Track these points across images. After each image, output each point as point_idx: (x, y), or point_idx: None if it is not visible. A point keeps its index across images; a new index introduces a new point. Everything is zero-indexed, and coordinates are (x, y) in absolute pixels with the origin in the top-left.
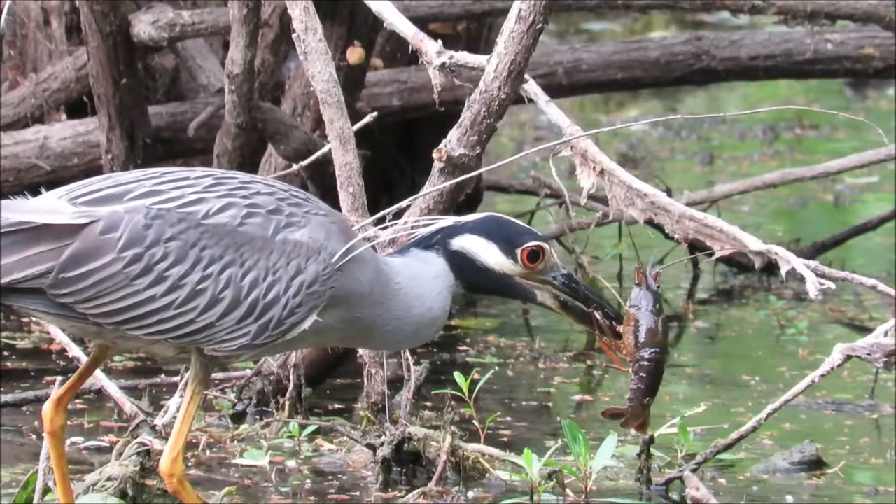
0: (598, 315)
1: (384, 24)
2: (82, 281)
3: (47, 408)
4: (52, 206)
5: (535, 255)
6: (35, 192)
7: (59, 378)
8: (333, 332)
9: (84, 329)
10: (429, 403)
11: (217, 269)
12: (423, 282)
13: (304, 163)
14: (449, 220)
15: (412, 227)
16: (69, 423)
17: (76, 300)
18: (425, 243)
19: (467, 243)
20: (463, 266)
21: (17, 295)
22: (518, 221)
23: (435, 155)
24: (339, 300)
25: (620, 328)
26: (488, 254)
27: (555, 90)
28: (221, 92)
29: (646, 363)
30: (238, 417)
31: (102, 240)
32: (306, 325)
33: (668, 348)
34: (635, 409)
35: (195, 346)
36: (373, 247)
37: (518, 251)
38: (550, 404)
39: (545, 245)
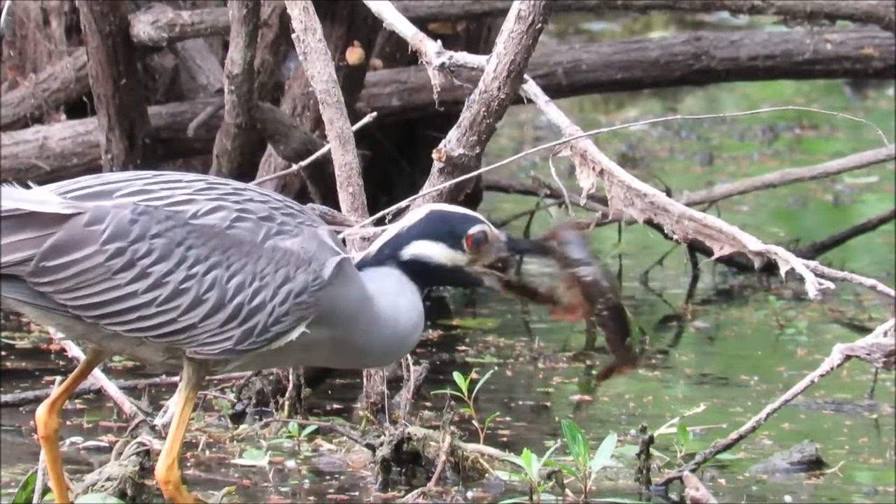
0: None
1: (384, 24)
2: (62, 271)
3: (41, 411)
4: (40, 197)
5: (479, 240)
6: None
7: (58, 378)
8: (323, 350)
9: (69, 326)
10: (428, 403)
11: (202, 270)
12: (393, 297)
13: (304, 163)
14: (392, 230)
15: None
16: (69, 422)
17: (55, 290)
18: (376, 260)
19: (416, 250)
20: (419, 271)
21: None
22: (456, 209)
23: (434, 155)
24: (329, 319)
25: (565, 290)
26: (438, 253)
27: (554, 90)
28: (221, 92)
29: (606, 313)
30: (237, 417)
31: (86, 231)
32: (293, 335)
33: (617, 288)
34: (620, 355)
35: (179, 348)
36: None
37: (463, 241)
38: (550, 404)
39: (484, 227)
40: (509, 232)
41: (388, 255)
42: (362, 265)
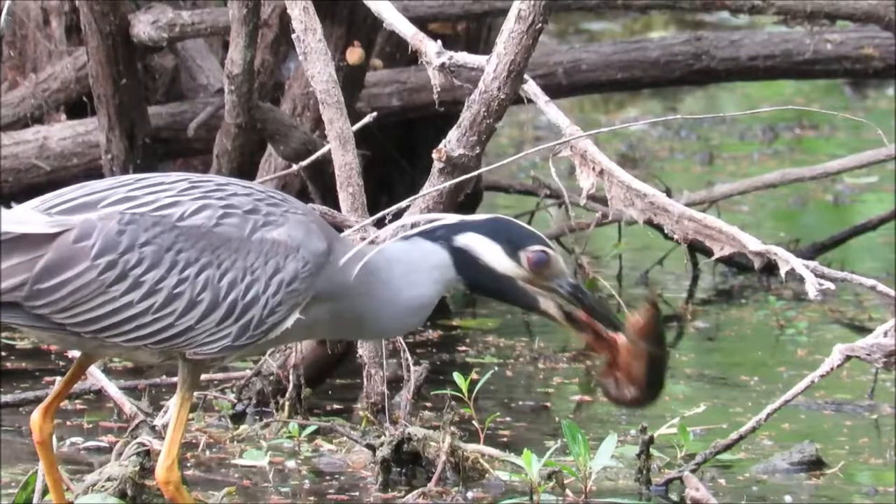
0: (603, 329)
1: (384, 25)
2: (58, 291)
3: (35, 416)
4: (23, 218)
5: (540, 260)
6: (34, 192)
7: (58, 379)
8: (323, 325)
9: (64, 340)
10: (428, 404)
11: (194, 272)
12: (421, 269)
13: (304, 163)
14: (455, 218)
15: (413, 226)
16: (69, 423)
17: (52, 311)
18: (429, 235)
19: (471, 241)
20: (465, 263)
21: None
22: (525, 225)
23: (434, 155)
24: (327, 296)
25: (626, 346)
26: (491, 254)
27: (554, 90)
28: (221, 92)
29: (640, 397)
30: (238, 418)
31: (76, 248)
32: (288, 323)
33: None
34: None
35: (178, 351)
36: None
37: (522, 254)
38: (550, 404)
39: (551, 251)
40: (579, 281)
41: (442, 235)
42: (413, 234)
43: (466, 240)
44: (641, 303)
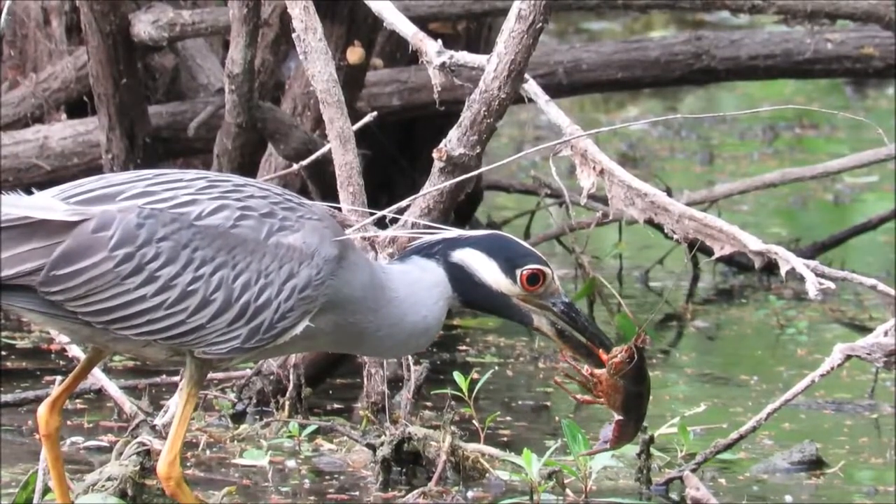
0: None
1: (384, 24)
2: (73, 279)
3: (42, 410)
4: (44, 204)
5: (535, 279)
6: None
7: (58, 378)
8: (325, 336)
9: (75, 331)
10: (429, 403)
11: (209, 271)
12: (421, 289)
13: (304, 162)
14: (454, 232)
15: (415, 231)
16: (69, 422)
17: (66, 298)
18: (426, 252)
19: (467, 257)
20: (461, 279)
21: (8, 292)
22: (523, 243)
23: (435, 154)
24: (333, 305)
25: (606, 377)
26: (487, 270)
27: (555, 90)
28: (221, 92)
29: (621, 423)
30: (238, 417)
31: (94, 238)
32: (298, 329)
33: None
34: (624, 435)
35: (187, 349)
36: (373, 247)
37: (518, 272)
38: (550, 404)
39: (547, 270)
40: (572, 301)
41: (437, 252)
42: (411, 252)
43: (463, 255)
44: (629, 339)
